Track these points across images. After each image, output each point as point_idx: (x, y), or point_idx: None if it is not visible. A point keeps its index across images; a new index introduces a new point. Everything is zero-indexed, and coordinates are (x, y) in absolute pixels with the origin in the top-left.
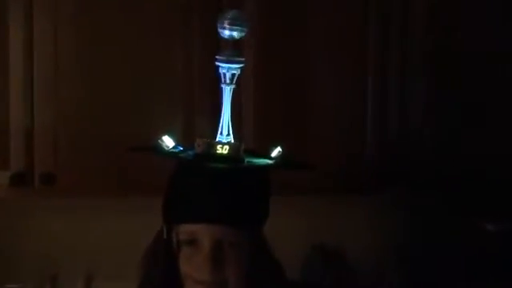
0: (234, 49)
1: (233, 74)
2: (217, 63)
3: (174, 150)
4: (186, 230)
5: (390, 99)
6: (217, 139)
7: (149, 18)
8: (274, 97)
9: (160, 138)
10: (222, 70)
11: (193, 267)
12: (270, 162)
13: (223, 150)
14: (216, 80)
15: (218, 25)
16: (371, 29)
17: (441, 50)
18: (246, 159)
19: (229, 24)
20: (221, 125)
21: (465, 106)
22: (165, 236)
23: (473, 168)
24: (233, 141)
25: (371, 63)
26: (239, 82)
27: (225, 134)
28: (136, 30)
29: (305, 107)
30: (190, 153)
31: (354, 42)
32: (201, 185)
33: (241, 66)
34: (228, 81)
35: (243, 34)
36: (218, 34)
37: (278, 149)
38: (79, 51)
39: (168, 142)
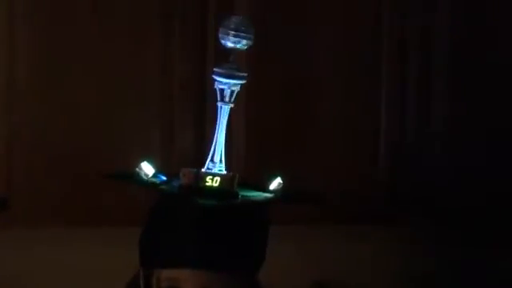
0: (231, 61)
1: (232, 91)
2: (215, 77)
3: (154, 180)
4: (167, 276)
5: (408, 114)
6: (206, 167)
7: (121, 25)
8: (270, 111)
9: (138, 166)
10: (219, 86)
11: None
12: (268, 196)
13: (214, 182)
14: (199, 93)
15: (221, 34)
16: (385, 32)
17: (465, 63)
18: (241, 193)
19: (234, 32)
20: (212, 150)
21: (492, 128)
22: (142, 283)
23: (500, 195)
24: (225, 170)
25: (385, 73)
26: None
27: (217, 162)
28: (107, 37)
29: (306, 124)
30: (175, 184)
31: (366, 48)
32: (186, 224)
33: (243, 82)
34: (227, 99)
35: (249, 43)
36: (219, 43)
37: (278, 180)
38: (37, 63)
39: (147, 169)
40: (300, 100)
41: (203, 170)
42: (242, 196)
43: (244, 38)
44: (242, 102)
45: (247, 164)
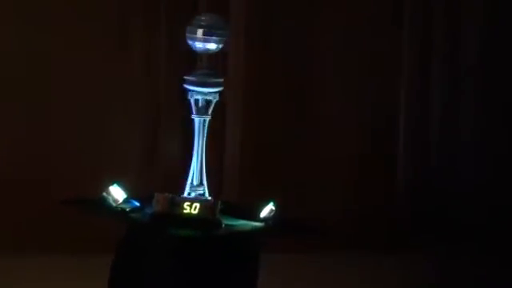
0: (210, 66)
1: (207, 102)
2: (186, 87)
3: (124, 207)
4: None
5: (432, 125)
6: (185, 192)
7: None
8: (267, 119)
9: (106, 190)
10: (191, 96)
11: None
12: (257, 225)
13: (192, 209)
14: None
15: (188, 34)
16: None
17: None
18: (224, 222)
19: (203, 33)
20: (191, 171)
21: None
22: None
23: None
24: (207, 194)
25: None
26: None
27: (195, 184)
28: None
29: (309, 135)
30: (148, 211)
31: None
32: (159, 257)
33: (218, 90)
34: (200, 110)
35: (221, 45)
36: (188, 45)
37: (270, 206)
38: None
39: (116, 194)
40: (303, 112)
41: (185, 194)
42: (226, 225)
43: (213, 40)
44: (237, 112)
45: (242, 185)
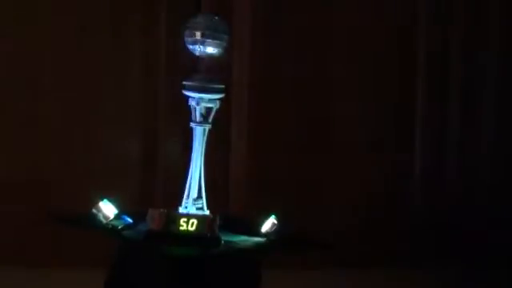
0: (211, 70)
1: (208, 109)
2: (184, 92)
3: (115, 224)
4: None
5: (450, 133)
6: (182, 207)
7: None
8: (274, 130)
9: (95, 206)
10: (191, 102)
11: None
12: (259, 241)
13: (189, 225)
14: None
15: (186, 37)
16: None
17: None
18: (224, 238)
19: (202, 35)
20: (188, 184)
21: None
22: None
23: None
24: (206, 209)
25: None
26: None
27: (191, 198)
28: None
29: (323, 142)
30: (141, 228)
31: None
32: (154, 278)
33: (220, 96)
34: (199, 118)
35: (221, 48)
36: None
37: (272, 220)
38: None
39: (107, 210)
40: (313, 122)
41: (180, 209)
42: (226, 242)
43: (214, 40)
44: (243, 115)
45: (248, 198)
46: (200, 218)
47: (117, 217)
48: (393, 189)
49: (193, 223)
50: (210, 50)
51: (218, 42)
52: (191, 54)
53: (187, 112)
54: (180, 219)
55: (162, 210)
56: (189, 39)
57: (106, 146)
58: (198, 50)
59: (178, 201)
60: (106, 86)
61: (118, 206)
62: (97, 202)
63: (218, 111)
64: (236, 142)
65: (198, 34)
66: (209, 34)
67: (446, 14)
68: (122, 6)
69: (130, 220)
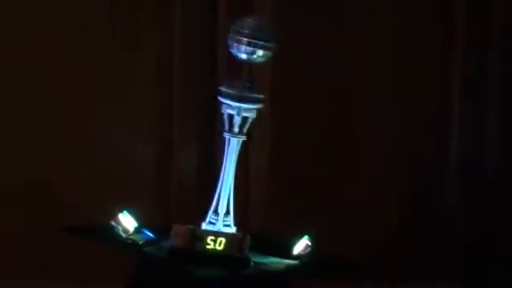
0: (250, 78)
1: (245, 119)
2: (221, 100)
3: (136, 239)
4: None
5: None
6: (207, 222)
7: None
8: (296, 142)
9: (114, 218)
10: (226, 111)
11: None
12: (291, 263)
13: (217, 244)
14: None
15: (230, 41)
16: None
17: None
18: (254, 259)
19: (248, 39)
20: (216, 198)
21: None
22: None
23: None
24: (233, 227)
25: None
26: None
27: (221, 214)
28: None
29: (344, 161)
30: (164, 245)
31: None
32: None
33: (259, 106)
34: (236, 129)
35: (269, 53)
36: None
37: (305, 241)
38: None
39: (126, 223)
40: (337, 134)
41: (204, 225)
42: (256, 263)
43: (262, 47)
44: (264, 136)
45: (268, 214)
46: (229, 237)
47: (136, 230)
48: (424, 190)
49: (221, 242)
50: (258, 57)
51: (267, 49)
52: (207, 54)
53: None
54: (207, 237)
55: (187, 226)
56: (234, 44)
57: (117, 152)
58: (243, 56)
59: (195, 211)
60: (117, 87)
61: (137, 219)
62: (116, 214)
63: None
64: (256, 155)
65: (245, 41)
66: (258, 41)
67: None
68: (133, 5)
69: (151, 235)
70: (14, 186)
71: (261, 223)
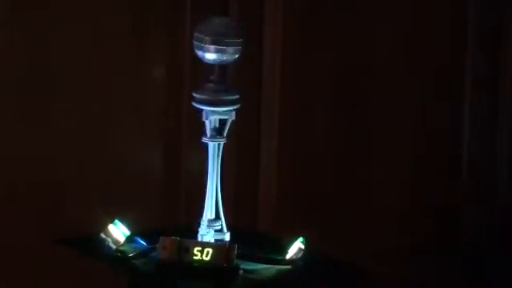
0: (222, 78)
1: (223, 122)
2: (195, 105)
3: (126, 251)
4: None
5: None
6: (200, 229)
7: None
8: (308, 141)
9: (104, 230)
10: (204, 116)
11: None
12: (282, 268)
13: (204, 254)
14: None
15: (195, 42)
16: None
17: None
18: (244, 266)
19: (212, 42)
20: (206, 204)
21: None
22: None
23: None
24: (225, 229)
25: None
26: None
27: (207, 218)
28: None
29: (360, 160)
30: (154, 256)
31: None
32: None
33: (234, 108)
34: (211, 132)
35: (235, 55)
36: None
37: (299, 244)
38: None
39: (116, 234)
40: (352, 131)
41: (200, 232)
42: (245, 271)
43: (227, 46)
44: (273, 129)
45: (278, 217)
46: (216, 247)
47: (129, 239)
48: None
49: (208, 252)
50: (220, 56)
51: (230, 47)
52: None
53: None
54: (194, 248)
55: (173, 237)
56: (197, 46)
57: (123, 158)
58: (208, 57)
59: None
60: (126, 89)
61: (130, 227)
62: (106, 225)
63: (233, 122)
64: (265, 158)
65: (207, 41)
66: (218, 40)
67: None
68: (144, 9)
69: (143, 244)
70: (19, 186)
71: (270, 221)
